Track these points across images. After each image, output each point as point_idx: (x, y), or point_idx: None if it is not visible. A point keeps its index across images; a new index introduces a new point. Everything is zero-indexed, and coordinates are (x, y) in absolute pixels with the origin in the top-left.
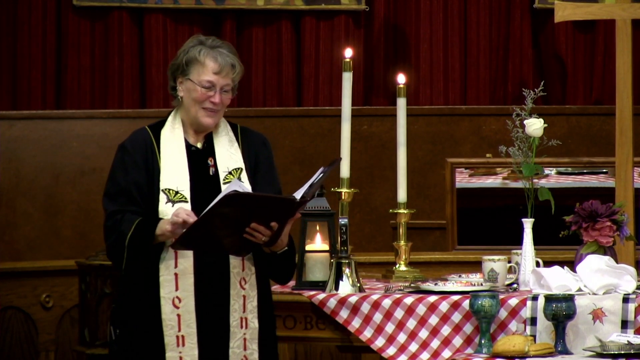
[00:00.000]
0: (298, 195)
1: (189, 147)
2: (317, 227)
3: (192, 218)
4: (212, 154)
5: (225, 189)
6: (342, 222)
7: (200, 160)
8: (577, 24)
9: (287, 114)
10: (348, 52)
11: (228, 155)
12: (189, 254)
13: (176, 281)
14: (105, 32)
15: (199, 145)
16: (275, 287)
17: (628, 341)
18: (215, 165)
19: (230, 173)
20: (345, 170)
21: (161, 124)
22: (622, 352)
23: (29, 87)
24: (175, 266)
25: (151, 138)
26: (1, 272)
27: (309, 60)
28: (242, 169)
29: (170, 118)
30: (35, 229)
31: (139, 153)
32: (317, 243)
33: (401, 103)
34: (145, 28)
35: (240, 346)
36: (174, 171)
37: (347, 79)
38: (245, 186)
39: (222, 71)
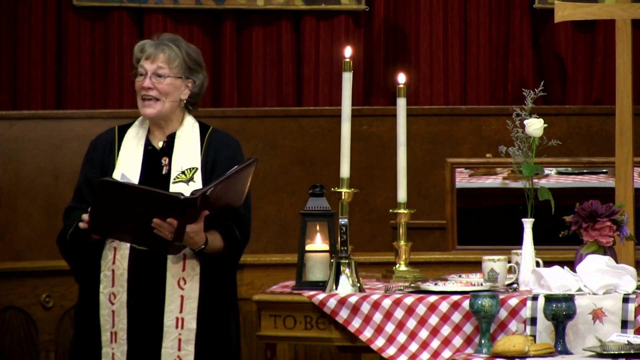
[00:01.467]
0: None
1: (147, 146)
2: (317, 227)
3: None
4: (169, 153)
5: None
6: (342, 222)
7: (155, 159)
8: (577, 24)
9: (287, 114)
10: (348, 51)
11: (186, 155)
12: (126, 252)
13: (113, 277)
14: (105, 32)
15: (160, 144)
16: (276, 287)
17: (628, 341)
18: (169, 164)
19: (183, 173)
20: (345, 170)
21: (131, 124)
22: (622, 352)
23: (29, 87)
24: (113, 262)
25: (115, 137)
26: (1, 272)
27: (309, 60)
28: (196, 169)
29: (140, 118)
30: (35, 229)
31: (98, 151)
32: (317, 243)
33: (401, 103)
34: (145, 28)
35: (174, 346)
36: (125, 168)
37: (347, 79)
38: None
39: (150, 56)
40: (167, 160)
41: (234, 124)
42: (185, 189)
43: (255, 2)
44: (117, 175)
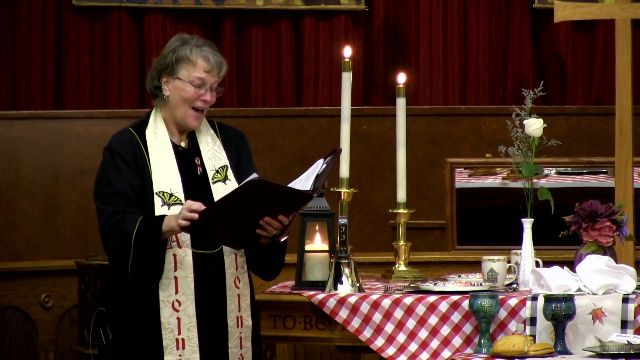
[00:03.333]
0: (304, 187)
1: (175, 147)
2: (317, 227)
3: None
4: (198, 153)
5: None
6: (342, 222)
7: (187, 160)
8: (577, 24)
9: (287, 114)
10: (347, 51)
11: (212, 153)
12: (188, 258)
13: (176, 284)
14: (105, 32)
15: (183, 144)
16: (275, 287)
17: (628, 341)
18: (202, 164)
19: (217, 172)
20: (345, 170)
21: (143, 124)
22: (622, 352)
23: (29, 87)
24: (175, 269)
25: (137, 140)
26: (1, 272)
27: (309, 60)
28: (227, 167)
29: (151, 118)
30: (35, 229)
31: (129, 155)
32: (317, 243)
33: (401, 103)
34: (145, 28)
35: (237, 345)
36: (165, 173)
37: (347, 79)
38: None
39: (213, 70)
40: (200, 160)
41: (234, 123)
42: (223, 188)
43: (254, 2)
44: (159, 179)
